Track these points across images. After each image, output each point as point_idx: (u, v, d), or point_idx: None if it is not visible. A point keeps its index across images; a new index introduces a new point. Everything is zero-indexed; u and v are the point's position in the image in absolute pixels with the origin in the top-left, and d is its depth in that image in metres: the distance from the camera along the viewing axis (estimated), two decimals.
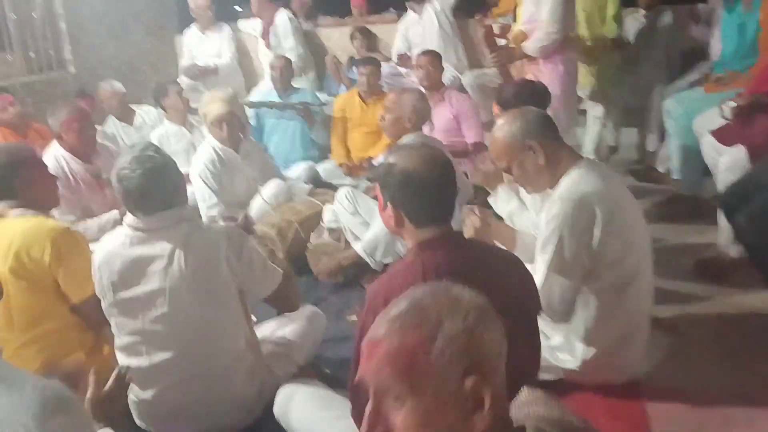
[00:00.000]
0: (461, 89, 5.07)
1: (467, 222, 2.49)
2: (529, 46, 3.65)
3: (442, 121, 4.29)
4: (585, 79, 4.59)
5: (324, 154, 5.23)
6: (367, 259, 3.33)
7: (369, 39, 5.89)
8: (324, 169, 4.96)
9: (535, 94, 2.96)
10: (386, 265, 3.33)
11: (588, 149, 4.82)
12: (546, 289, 2.15)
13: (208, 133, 3.92)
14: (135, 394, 2.20)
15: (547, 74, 3.60)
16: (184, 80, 5.93)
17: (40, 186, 2.48)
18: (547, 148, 2.21)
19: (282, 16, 5.78)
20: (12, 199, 2.42)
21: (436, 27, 5.42)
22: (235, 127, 3.86)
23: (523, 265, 1.85)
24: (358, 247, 3.33)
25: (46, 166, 2.61)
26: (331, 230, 3.52)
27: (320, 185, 4.63)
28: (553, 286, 2.17)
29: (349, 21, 6.27)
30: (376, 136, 4.94)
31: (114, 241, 2.14)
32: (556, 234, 2.15)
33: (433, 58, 4.49)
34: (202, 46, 6.17)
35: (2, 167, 2.42)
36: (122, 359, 2.17)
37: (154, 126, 5.04)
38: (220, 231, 2.23)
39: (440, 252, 1.72)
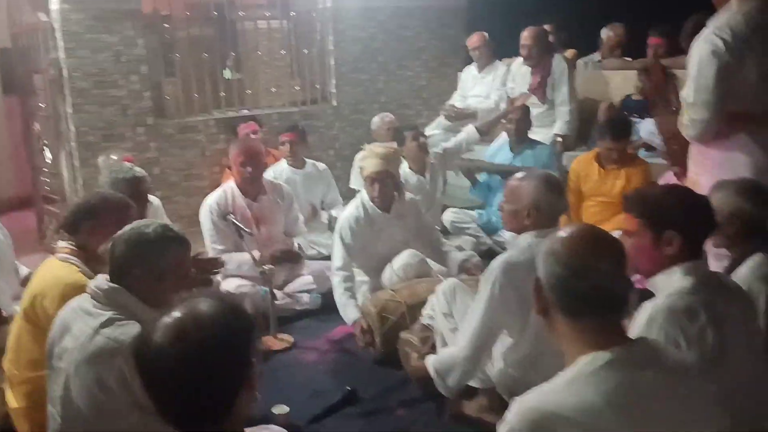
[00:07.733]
0: None
1: None
2: None
3: None
4: None
5: None
6: (435, 380, 2.51)
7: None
8: None
9: None
10: (469, 388, 2.59)
11: None
12: None
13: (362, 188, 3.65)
14: None
15: None
16: (442, 121, 5.75)
17: (100, 239, 2.40)
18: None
19: (558, 63, 5.15)
20: (73, 236, 2.47)
21: None
22: (387, 186, 3.50)
23: None
24: (429, 362, 2.55)
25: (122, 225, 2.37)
26: (423, 327, 2.85)
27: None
28: None
29: (637, 64, 5.27)
30: (614, 208, 4.17)
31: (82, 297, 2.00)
32: None
33: None
34: (475, 86, 5.88)
35: (84, 207, 2.52)
36: None
37: None
38: (113, 340, 1.82)
39: None
